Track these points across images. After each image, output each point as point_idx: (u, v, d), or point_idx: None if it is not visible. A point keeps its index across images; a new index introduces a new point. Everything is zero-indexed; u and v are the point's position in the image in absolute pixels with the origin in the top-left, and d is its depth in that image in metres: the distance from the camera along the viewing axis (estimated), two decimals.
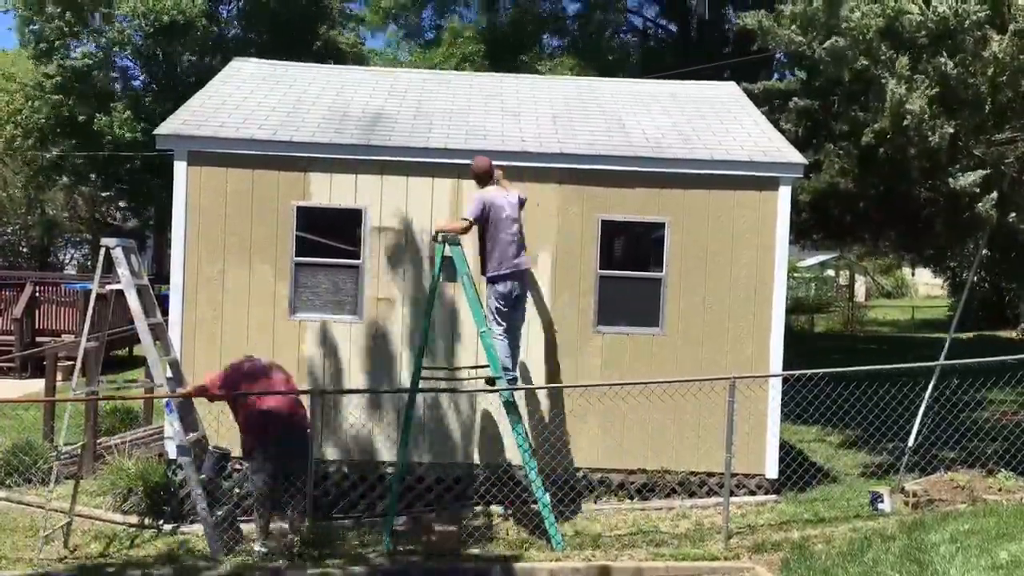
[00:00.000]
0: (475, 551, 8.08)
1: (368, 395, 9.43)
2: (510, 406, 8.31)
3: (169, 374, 8.49)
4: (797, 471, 9.22)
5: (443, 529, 8.15)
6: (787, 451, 9.55)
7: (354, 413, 9.38)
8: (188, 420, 8.46)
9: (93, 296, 8.59)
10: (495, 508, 9.23)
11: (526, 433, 8.55)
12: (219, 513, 8.21)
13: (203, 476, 8.15)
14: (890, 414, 9.39)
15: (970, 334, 25.28)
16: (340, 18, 33.04)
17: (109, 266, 8.86)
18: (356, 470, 9.50)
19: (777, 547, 7.86)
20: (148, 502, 9.18)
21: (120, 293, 9.07)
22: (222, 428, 8.59)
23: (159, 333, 8.56)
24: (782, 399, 9.62)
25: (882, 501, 8.89)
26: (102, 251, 8.42)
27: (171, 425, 8.23)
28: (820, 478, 9.72)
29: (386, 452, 9.53)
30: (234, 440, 8.39)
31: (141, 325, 8.32)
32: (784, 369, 9.52)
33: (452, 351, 9.60)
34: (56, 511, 8.48)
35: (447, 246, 8.43)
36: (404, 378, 9.52)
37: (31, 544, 8.34)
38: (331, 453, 9.42)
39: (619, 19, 28.78)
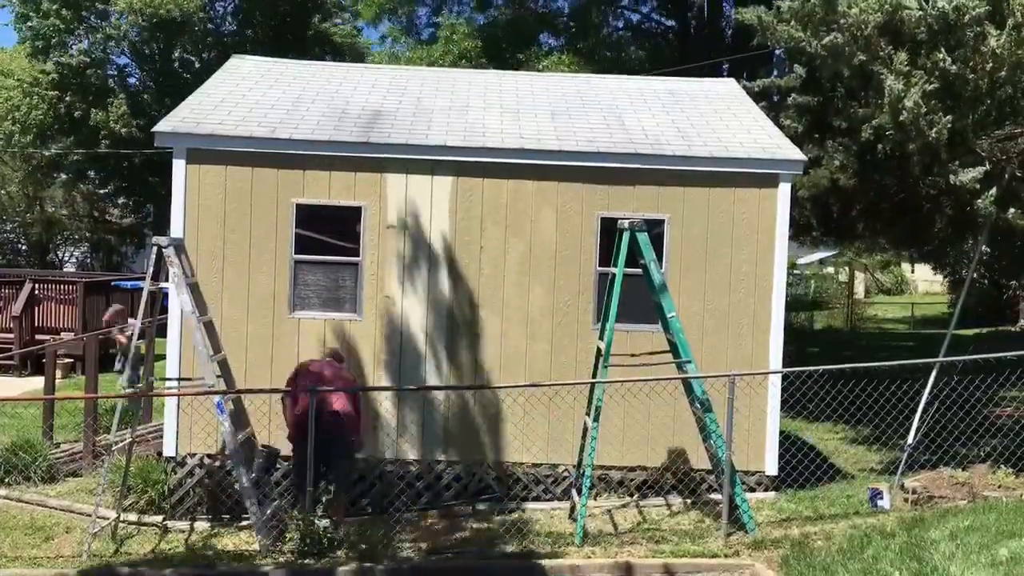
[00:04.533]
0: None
1: (373, 393, 9.43)
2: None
3: (218, 372, 8.46)
4: (797, 467, 9.22)
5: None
6: (787, 447, 9.55)
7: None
8: (237, 419, 8.44)
9: (145, 294, 8.59)
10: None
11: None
12: (268, 511, 8.24)
13: (253, 475, 8.21)
14: (890, 411, 9.39)
15: (983, 329, 25.32)
16: (335, 10, 32.97)
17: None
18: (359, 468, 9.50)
19: (777, 544, 7.85)
20: (147, 499, 9.19)
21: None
22: (272, 426, 8.81)
23: (209, 332, 8.54)
24: (785, 395, 9.62)
25: (881, 498, 8.88)
26: (153, 249, 8.42)
27: (223, 424, 8.22)
28: (820, 475, 9.73)
29: (389, 450, 9.54)
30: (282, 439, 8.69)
31: (193, 324, 8.30)
32: (794, 365, 9.51)
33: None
34: (91, 515, 8.48)
35: (634, 232, 8.29)
36: (404, 376, 9.53)
37: (31, 542, 8.35)
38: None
39: (615, 15, 28.73)
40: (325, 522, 8.04)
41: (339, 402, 8.30)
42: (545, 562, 7.71)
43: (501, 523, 8.76)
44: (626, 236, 8.33)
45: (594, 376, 8.67)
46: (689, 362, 8.38)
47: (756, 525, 8.20)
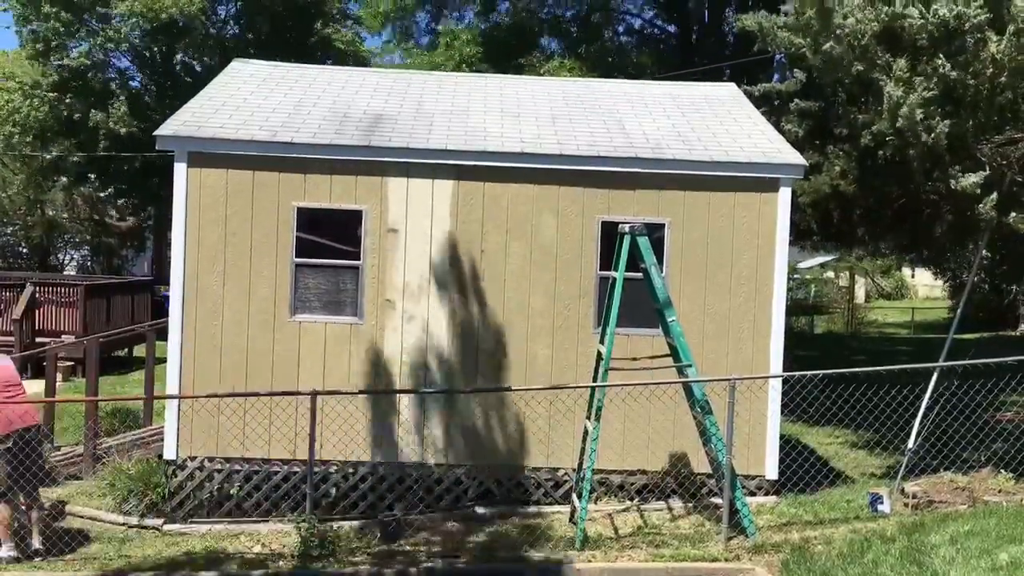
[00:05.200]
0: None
1: (373, 396, 9.43)
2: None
3: None
4: (797, 472, 9.21)
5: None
6: (787, 451, 9.55)
7: (355, 413, 9.37)
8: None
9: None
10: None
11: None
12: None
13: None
14: (890, 415, 9.39)
15: (983, 334, 25.36)
16: (339, 16, 33.03)
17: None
18: (356, 470, 9.51)
19: (777, 548, 7.85)
20: (148, 503, 9.20)
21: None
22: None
23: None
24: (786, 399, 9.62)
25: (881, 502, 8.88)
26: None
27: None
28: (820, 479, 9.73)
29: (387, 452, 9.55)
30: None
31: None
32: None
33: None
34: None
35: (635, 236, 8.32)
36: (404, 379, 9.53)
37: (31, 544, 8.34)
38: (330, 454, 9.37)
39: (617, 20, 28.80)
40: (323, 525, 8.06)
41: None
42: (546, 566, 7.71)
43: (501, 527, 8.77)
44: (627, 240, 8.34)
45: (595, 380, 8.68)
46: (690, 366, 8.40)
47: (756, 529, 8.20)
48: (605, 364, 8.36)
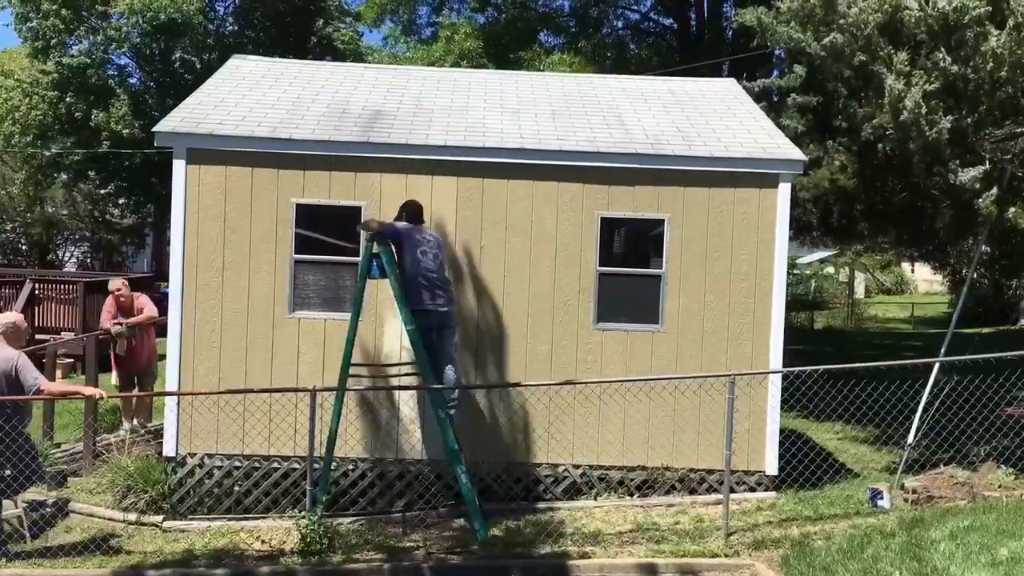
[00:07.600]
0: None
1: (373, 392, 9.43)
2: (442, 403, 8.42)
3: None
4: (797, 467, 9.21)
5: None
6: (787, 447, 9.55)
7: (355, 409, 9.37)
8: None
9: None
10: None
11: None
12: None
13: None
14: (890, 411, 9.39)
15: (984, 329, 25.37)
16: (337, 13, 33.01)
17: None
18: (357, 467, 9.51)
19: (777, 544, 7.86)
20: (147, 499, 9.20)
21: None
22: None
23: None
24: (786, 395, 9.61)
25: (881, 498, 8.89)
26: None
27: None
28: (821, 475, 9.73)
29: (390, 450, 9.55)
30: None
31: None
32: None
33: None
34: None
35: (374, 244, 8.34)
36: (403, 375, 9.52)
37: (31, 542, 8.35)
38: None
39: (615, 14, 28.79)
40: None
41: None
42: (546, 562, 7.71)
43: (501, 523, 8.76)
44: (370, 246, 8.33)
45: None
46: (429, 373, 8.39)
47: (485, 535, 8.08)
48: (344, 371, 8.38)
